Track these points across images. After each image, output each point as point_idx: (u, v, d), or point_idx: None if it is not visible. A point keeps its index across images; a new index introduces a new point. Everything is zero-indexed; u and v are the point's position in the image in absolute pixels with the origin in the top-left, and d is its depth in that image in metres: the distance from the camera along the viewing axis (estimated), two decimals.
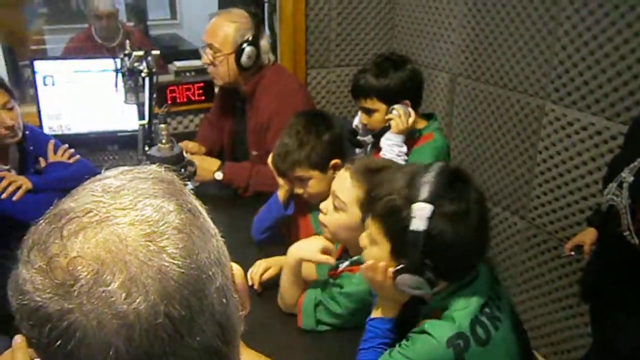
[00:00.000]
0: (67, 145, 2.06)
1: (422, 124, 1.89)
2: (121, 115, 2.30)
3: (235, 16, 2.06)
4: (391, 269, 1.07)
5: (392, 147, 1.78)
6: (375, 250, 1.10)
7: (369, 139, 2.00)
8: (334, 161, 1.60)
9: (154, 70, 1.60)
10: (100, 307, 0.46)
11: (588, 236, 1.76)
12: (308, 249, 1.33)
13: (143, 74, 1.57)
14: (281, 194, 1.72)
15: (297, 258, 1.35)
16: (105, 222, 0.50)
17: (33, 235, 0.51)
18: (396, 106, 1.79)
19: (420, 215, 0.99)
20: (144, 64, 1.59)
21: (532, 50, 2.07)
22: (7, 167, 1.90)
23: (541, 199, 2.15)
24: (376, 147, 1.89)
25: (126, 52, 1.69)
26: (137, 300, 0.47)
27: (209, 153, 2.30)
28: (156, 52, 1.70)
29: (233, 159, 2.27)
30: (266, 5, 2.90)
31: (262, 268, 1.50)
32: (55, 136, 2.13)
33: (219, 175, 1.99)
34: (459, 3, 2.39)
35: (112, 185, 0.53)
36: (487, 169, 2.40)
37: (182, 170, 1.24)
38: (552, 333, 2.19)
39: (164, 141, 1.23)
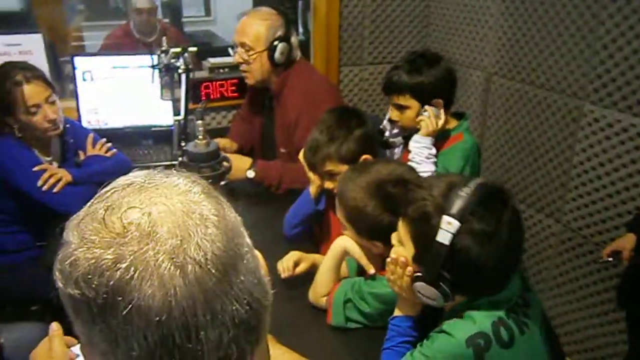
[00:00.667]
0: (104, 140, 2.12)
1: (452, 124, 1.87)
2: (156, 110, 2.34)
3: (266, 14, 2.08)
4: (410, 269, 1.07)
5: (421, 150, 1.77)
6: (401, 250, 1.11)
7: (398, 140, 1.99)
8: (364, 157, 1.60)
9: (190, 67, 1.62)
10: (155, 249, 0.49)
11: (628, 242, 1.71)
12: (356, 246, 1.35)
13: (180, 71, 1.59)
14: (313, 189, 1.72)
15: (343, 248, 1.36)
16: (145, 189, 0.55)
17: (79, 215, 0.54)
18: (427, 107, 1.78)
19: (447, 228, 0.98)
20: (181, 60, 1.61)
21: (571, 49, 2.02)
22: (49, 159, 1.97)
23: (577, 201, 2.10)
24: (406, 148, 1.87)
25: (163, 48, 1.71)
26: (186, 245, 0.50)
27: (240, 149, 2.33)
28: (193, 49, 1.72)
29: (263, 156, 2.29)
30: (300, 3, 2.92)
31: (294, 258, 1.50)
32: (93, 130, 2.19)
33: (250, 174, 2.00)
34: (496, 1, 2.35)
35: (139, 175, 0.59)
36: (522, 170, 2.36)
37: (218, 166, 1.26)
38: (586, 339, 2.14)
39: (200, 137, 1.25)
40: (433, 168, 1.75)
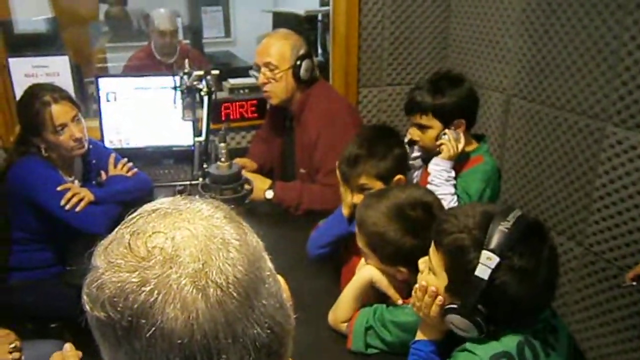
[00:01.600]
0: (126, 159, 2.15)
1: (472, 146, 1.86)
2: (177, 130, 2.38)
3: (286, 34, 2.13)
4: (441, 298, 1.05)
5: (440, 172, 1.77)
6: (432, 279, 1.08)
7: (417, 162, 1.99)
8: (398, 177, 1.60)
9: (212, 89, 1.65)
10: (178, 273, 0.51)
11: None
12: (382, 276, 1.34)
13: (202, 93, 1.62)
14: (346, 210, 1.67)
15: (369, 278, 1.35)
16: (169, 214, 0.57)
17: (106, 240, 0.56)
18: (447, 131, 1.78)
19: (486, 263, 0.96)
20: (204, 82, 1.64)
21: (592, 70, 2.01)
22: (72, 179, 2.00)
23: (600, 224, 2.06)
24: (425, 171, 1.87)
25: (186, 70, 1.75)
26: (208, 268, 0.52)
27: (260, 169, 2.34)
28: (216, 72, 1.75)
29: (282, 177, 2.30)
30: (319, 24, 2.96)
31: None
32: (115, 149, 2.23)
33: (269, 194, 2.01)
34: (515, 23, 2.35)
35: (164, 202, 0.61)
36: (542, 192, 2.33)
37: (240, 188, 1.27)
38: None
39: (223, 159, 1.26)
40: (452, 190, 1.75)
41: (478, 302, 0.98)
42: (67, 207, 1.81)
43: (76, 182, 2.01)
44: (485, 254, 0.96)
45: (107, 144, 2.33)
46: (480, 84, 2.62)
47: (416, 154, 1.98)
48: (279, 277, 0.63)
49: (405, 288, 1.33)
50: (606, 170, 2.00)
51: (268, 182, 2.05)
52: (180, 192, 2.13)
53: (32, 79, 2.21)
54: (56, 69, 2.31)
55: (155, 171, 2.36)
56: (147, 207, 0.59)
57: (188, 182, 2.23)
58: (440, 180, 1.75)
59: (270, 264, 0.60)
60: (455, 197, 1.80)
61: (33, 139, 1.86)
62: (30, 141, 1.87)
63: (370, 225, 1.32)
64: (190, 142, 2.41)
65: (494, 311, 0.99)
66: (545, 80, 2.23)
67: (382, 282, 1.34)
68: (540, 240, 1.01)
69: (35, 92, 1.86)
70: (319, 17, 2.97)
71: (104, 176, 2.09)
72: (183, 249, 0.52)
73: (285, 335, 0.59)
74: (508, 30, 2.41)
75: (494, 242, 0.96)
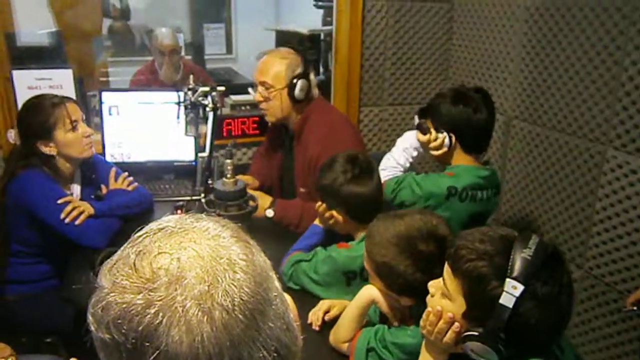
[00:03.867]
0: (126, 173, 2.15)
1: (459, 161, 1.87)
2: (178, 146, 2.38)
3: (284, 53, 2.13)
4: (458, 325, 1.04)
5: (408, 141, 1.92)
6: (447, 304, 1.06)
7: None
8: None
9: (218, 105, 1.65)
10: (183, 295, 0.50)
11: None
12: (383, 299, 1.34)
13: (208, 109, 1.63)
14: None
15: (371, 298, 1.35)
16: (175, 233, 0.56)
17: (112, 259, 0.56)
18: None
19: (511, 291, 0.95)
20: (209, 98, 1.64)
21: (592, 95, 2.03)
22: (71, 192, 1.99)
23: (600, 248, 2.06)
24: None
25: (190, 86, 1.75)
26: (214, 290, 0.51)
27: (262, 186, 2.34)
28: (221, 88, 1.76)
29: (282, 195, 2.29)
30: (322, 43, 2.98)
31: (324, 308, 1.50)
32: (116, 163, 2.23)
33: (270, 213, 2.00)
34: (517, 46, 2.38)
35: (170, 220, 0.60)
36: (542, 214, 2.33)
37: (245, 205, 1.26)
38: None
39: (228, 176, 1.26)
40: (402, 162, 1.92)
41: (501, 330, 0.97)
42: (67, 220, 1.80)
43: (76, 195, 2.00)
44: (509, 282, 0.95)
45: (108, 158, 2.32)
46: None
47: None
48: (287, 297, 0.62)
49: (408, 311, 1.33)
50: (606, 194, 2.01)
51: (269, 199, 2.05)
52: (180, 208, 2.12)
53: (35, 91, 2.20)
54: (59, 82, 2.32)
55: (155, 186, 2.36)
56: (154, 225, 0.58)
57: (188, 198, 2.22)
58: (404, 146, 1.90)
59: (277, 284, 0.59)
60: (397, 171, 1.93)
61: (39, 147, 1.85)
62: (34, 151, 1.86)
63: (379, 256, 1.29)
64: (191, 158, 2.41)
65: (516, 338, 0.98)
66: (546, 102, 2.25)
67: (383, 305, 1.34)
68: (560, 266, 1.00)
69: (41, 97, 1.89)
70: (322, 36, 2.99)
71: (104, 190, 2.08)
72: (188, 270, 0.52)
73: (292, 357, 0.58)
74: (509, 53, 2.44)
75: (518, 270, 0.95)
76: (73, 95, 2.28)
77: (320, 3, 3.23)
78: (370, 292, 1.35)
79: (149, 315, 0.49)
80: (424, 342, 1.16)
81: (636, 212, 1.90)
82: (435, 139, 1.82)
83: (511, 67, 2.44)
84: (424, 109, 1.92)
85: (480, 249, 1.01)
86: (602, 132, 2.01)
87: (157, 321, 0.49)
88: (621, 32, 1.89)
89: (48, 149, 1.86)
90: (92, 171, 2.06)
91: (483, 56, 2.62)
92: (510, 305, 0.95)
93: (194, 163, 2.40)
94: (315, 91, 2.21)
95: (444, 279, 1.07)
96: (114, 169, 2.14)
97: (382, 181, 1.77)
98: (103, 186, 2.10)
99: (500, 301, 0.95)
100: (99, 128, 2.36)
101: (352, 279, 1.56)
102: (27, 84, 2.27)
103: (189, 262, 0.52)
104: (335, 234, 1.75)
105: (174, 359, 0.49)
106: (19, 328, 1.93)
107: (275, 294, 0.58)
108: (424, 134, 1.85)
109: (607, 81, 1.96)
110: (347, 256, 1.55)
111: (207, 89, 1.67)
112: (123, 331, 0.50)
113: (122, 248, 0.57)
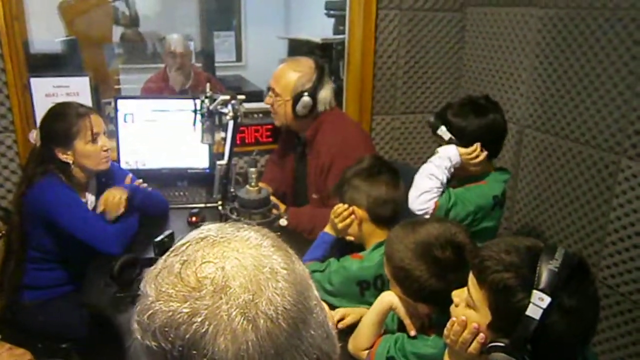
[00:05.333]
0: (141, 180, 2.17)
1: (487, 169, 1.89)
2: (192, 153, 2.40)
3: (301, 65, 2.14)
4: (483, 336, 1.04)
5: (444, 158, 1.80)
6: (472, 315, 1.06)
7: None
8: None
9: (238, 114, 1.67)
10: (228, 304, 0.51)
11: None
12: (401, 305, 1.34)
13: (228, 117, 1.64)
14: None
15: (389, 304, 1.35)
16: (218, 243, 0.57)
17: (155, 268, 0.56)
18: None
19: (538, 303, 0.95)
20: (229, 107, 1.66)
21: (607, 104, 2.03)
22: (85, 200, 2.01)
23: (614, 258, 2.06)
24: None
25: (207, 94, 1.77)
26: (258, 299, 0.52)
27: (275, 193, 2.35)
28: (242, 97, 1.77)
29: (294, 202, 2.30)
30: (334, 51, 3.00)
31: (338, 316, 1.51)
32: (130, 170, 2.25)
33: (283, 222, 2.01)
34: (530, 56, 2.39)
35: (211, 229, 0.61)
36: (555, 224, 2.33)
37: (269, 213, 1.27)
38: None
39: (252, 184, 1.27)
40: (444, 180, 1.80)
41: (527, 342, 0.97)
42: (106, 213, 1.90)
43: (90, 204, 2.02)
44: (536, 294, 0.95)
45: (123, 165, 2.34)
46: None
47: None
48: (324, 305, 0.63)
49: (427, 320, 1.33)
50: (621, 204, 2.01)
51: (282, 208, 2.06)
52: (196, 215, 2.13)
53: (53, 99, 2.24)
54: (76, 89, 2.34)
55: (169, 193, 2.37)
56: (195, 234, 0.59)
57: (203, 205, 2.24)
58: (440, 162, 1.79)
59: (316, 292, 0.60)
60: (441, 190, 1.82)
61: (60, 155, 1.87)
62: (53, 158, 1.87)
63: (398, 260, 1.31)
64: (205, 165, 2.42)
65: (541, 350, 0.98)
66: (560, 112, 2.25)
67: (401, 311, 1.34)
68: (586, 278, 1.01)
69: (67, 105, 1.92)
70: (334, 45, 3.01)
71: None
72: (233, 280, 0.53)
73: None
74: (522, 62, 2.45)
75: (544, 281, 0.95)
76: (89, 103, 2.31)
77: (331, 12, 3.26)
78: (389, 298, 1.36)
79: (195, 324, 0.50)
80: (446, 351, 1.16)
81: None
82: (477, 154, 1.82)
83: (524, 77, 2.44)
84: (440, 119, 1.91)
85: (506, 260, 1.01)
86: (616, 142, 2.01)
87: (204, 329, 0.50)
88: (635, 41, 1.89)
89: (65, 157, 1.88)
90: (107, 179, 2.08)
91: (495, 65, 2.63)
92: (537, 317, 0.95)
93: (207, 170, 2.41)
94: (331, 103, 2.21)
95: (468, 289, 1.08)
96: (129, 176, 2.16)
97: (433, 203, 1.77)
98: None
99: (527, 313, 0.96)
100: (114, 135, 2.38)
101: (365, 289, 1.56)
102: (45, 91, 2.30)
103: (232, 271, 0.53)
104: (347, 244, 1.75)
105: None
106: (35, 333, 1.94)
107: (315, 302, 0.58)
108: (463, 146, 1.83)
109: (621, 91, 1.97)
110: (360, 266, 1.57)
111: (227, 97, 1.69)
112: (170, 339, 0.51)
113: (164, 257, 0.58)
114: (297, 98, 2.08)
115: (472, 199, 1.80)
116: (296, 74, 2.11)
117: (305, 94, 2.08)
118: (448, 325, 1.10)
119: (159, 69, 3.56)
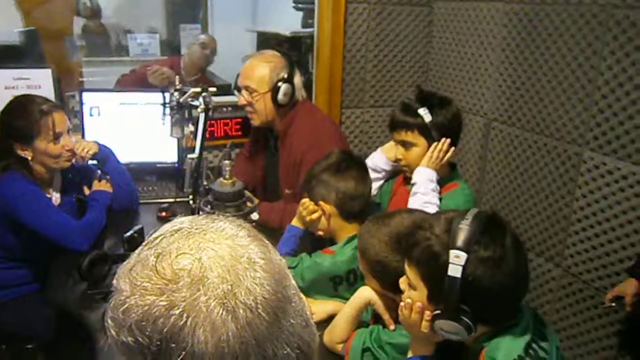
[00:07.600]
0: (109, 177, 2.12)
1: (445, 172, 1.86)
2: (161, 147, 2.36)
3: (269, 57, 2.12)
4: (428, 313, 1.08)
5: (425, 182, 1.73)
6: (414, 294, 1.11)
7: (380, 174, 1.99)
8: None
9: (210, 106, 1.64)
10: (207, 295, 0.50)
11: (629, 287, 1.73)
12: (379, 300, 1.35)
13: (199, 110, 1.61)
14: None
15: (367, 299, 1.36)
16: (193, 234, 0.56)
17: (129, 262, 0.55)
18: (435, 143, 1.77)
19: (456, 261, 1.00)
20: (200, 100, 1.63)
21: (570, 97, 2.09)
22: (51, 195, 1.95)
23: (577, 246, 2.12)
24: (402, 188, 1.90)
25: (177, 87, 1.74)
26: (237, 289, 0.51)
27: (245, 187, 2.33)
28: (213, 89, 1.74)
29: (265, 197, 2.29)
30: (303, 45, 2.99)
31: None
32: (96, 166, 2.19)
33: (255, 216, 2.00)
34: (496, 50, 2.44)
35: (184, 221, 0.60)
36: (521, 214, 2.39)
37: (243, 206, 1.26)
38: None
39: (227, 177, 1.26)
40: (437, 201, 1.74)
41: (459, 302, 1.02)
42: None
43: (55, 201, 1.96)
44: (452, 252, 1.01)
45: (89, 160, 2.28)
46: (461, 107, 2.68)
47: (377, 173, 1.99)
48: (302, 295, 0.63)
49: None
50: (584, 194, 2.07)
51: (256, 201, 2.04)
52: (165, 210, 2.10)
53: (13, 91, 2.16)
54: (38, 82, 2.27)
55: (138, 188, 2.32)
56: (168, 226, 0.58)
57: (173, 200, 2.20)
58: (425, 188, 1.73)
59: (294, 282, 0.60)
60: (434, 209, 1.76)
61: (18, 150, 1.80)
62: (12, 153, 1.81)
63: (373, 254, 1.32)
64: (174, 159, 2.39)
65: (476, 308, 1.02)
66: (525, 105, 2.31)
67: (380, 307, 1.35)
68: (500, 229, 1.05)
69: (31, 100, 1.83)
70: (303, 38, 3.00)
71: (87, 191, 2.05)
72: (210, 270, 0.52)
73: (312, 353, 0.59)
74: (489, 56, 2.49)
75: (458, 240, 1.01)
76: (52, 96, 2.24)
77: (300, 5, 3.24)
78: (367, 293, 1.36)
79: (173, 317, 0.49)
80: (412, 338, 1.18)
81: (612, 211, 1.97)
82: (446, 149, 1.78)
83: (490, 71, 2.49)
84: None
85: (427, 232, 1.07)
86: (579, 134, 2.07)
87: (182, 322, 0.49)
88: (597, 37, 1.95)
89: (23, 153, 1.82)
90: (74, 176, 2.03)
91: (462, 59, 2.67)
92: (459, 275, 1.00)
93: (176, 165, 2.38)
94: (302, 93, 2.21)
95: (406, 272, 1.13)
96: (98, 172, 2.10)
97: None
98: (85, 187, 2.07)
99: (449, 273, 1.01)
100: (79, 129, 2.32)
101: (338, 284, 1.57)
102: (5, 83, 2.22)
103: (209, 262, 0.53)
104: (317, 240, 1.75)
105: (200, 359, 0.49)
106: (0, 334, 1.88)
107: (294, 291, 0.58)
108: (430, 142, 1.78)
109: (583, 84, 2.03)
110: (332, 262, 1.56)
111: (198, 90, 1.66)
112: (147, 333, 0.50)
113: (137, 251, 0.57)
114: (275, 88, 2.06)
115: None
116: (268, 64, 2.09)
117: (282, 82, 2.06)
118: (399, 312, 1.14)
119: (123, 62, 3.47)
